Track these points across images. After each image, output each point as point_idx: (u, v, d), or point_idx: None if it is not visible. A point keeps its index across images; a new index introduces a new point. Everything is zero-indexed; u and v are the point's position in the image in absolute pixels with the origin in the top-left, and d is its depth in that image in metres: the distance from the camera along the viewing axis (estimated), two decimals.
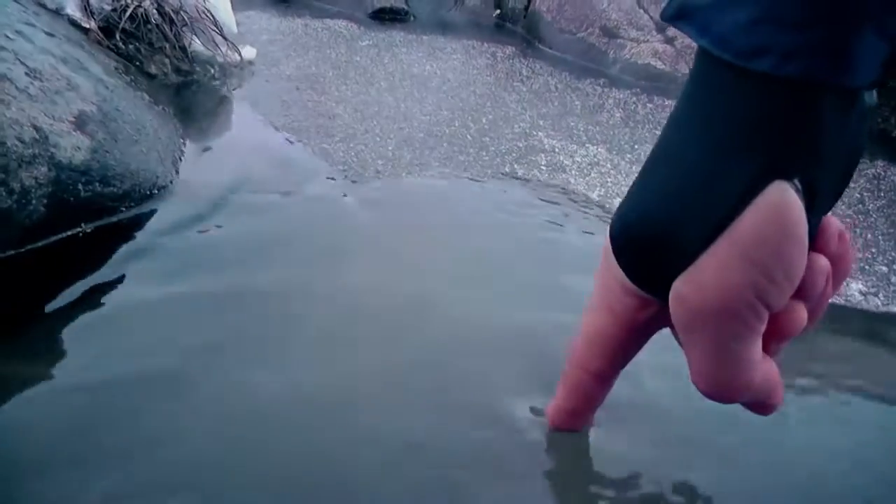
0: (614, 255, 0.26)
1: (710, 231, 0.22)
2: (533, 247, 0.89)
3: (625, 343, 0.28)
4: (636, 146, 1.33)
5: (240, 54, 1.49)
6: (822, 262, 0.24)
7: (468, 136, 1.21)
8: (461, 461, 0.51)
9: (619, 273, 0.26)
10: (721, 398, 0.26)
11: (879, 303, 0.78)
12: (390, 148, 1.15)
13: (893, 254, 0.89)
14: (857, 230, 0.96)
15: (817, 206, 0.23)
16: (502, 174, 1.07)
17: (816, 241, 0.24)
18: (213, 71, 1.42)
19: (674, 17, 0.22)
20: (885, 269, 0.85)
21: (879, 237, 0.93)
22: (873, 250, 0.89)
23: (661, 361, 0.53)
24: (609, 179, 1.16)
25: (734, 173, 0.22)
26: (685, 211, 0.23)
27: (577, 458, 0.55)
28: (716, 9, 0.21)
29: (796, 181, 0.22)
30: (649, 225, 0.24)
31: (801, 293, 0.24)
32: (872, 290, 0.80)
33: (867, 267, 0.85)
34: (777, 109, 0.21)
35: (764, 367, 0.26)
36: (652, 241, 0.24)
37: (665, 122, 0.25)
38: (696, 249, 0.23)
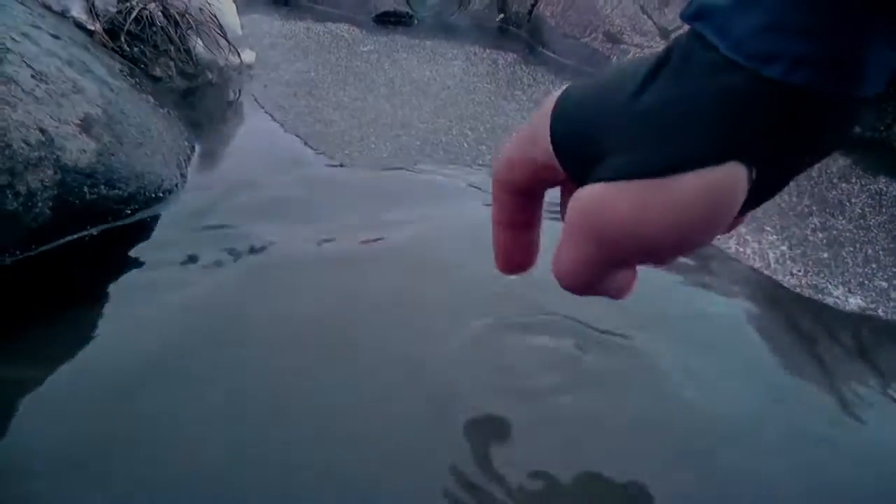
0: (551, 129, 0.26)
1: (648, 172, 0.22)
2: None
3: (536, 181, 0.29)
4: None
5: (240, 58, 1.49)
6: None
7: (465, 145, 1.21)
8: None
9: (547, 138, 0.26)
10: (571, 292, 0.27)
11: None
12: (385, 155, 1.15)
13: (894, 269, 0.89)
14: (858, 245, 0.96)
15: (761, 197, 0.23)
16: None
17: None
18: (210, 75, 1.42)
19: (692, 17, 0.22)
20: (884, 284, 0.85)
21: (880, 252, 0.93)
22: (873, 265, 0.90)
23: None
24: None
25: (706, 145, 0.21)
26: (628, 141, 0.23)
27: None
28: (733, 11, 0.21)
29: (754, 170, 0.22)
30: (591, 141, 0.24)
31: None
32: (872, 306, 0.80)
33: (867, 282, 0.85)
34: (774, 110, 0.21)
35: (622, 275, 0.27)
36: (588, 150, 0.24)
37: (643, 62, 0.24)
38: (623, 178, 0.23)
